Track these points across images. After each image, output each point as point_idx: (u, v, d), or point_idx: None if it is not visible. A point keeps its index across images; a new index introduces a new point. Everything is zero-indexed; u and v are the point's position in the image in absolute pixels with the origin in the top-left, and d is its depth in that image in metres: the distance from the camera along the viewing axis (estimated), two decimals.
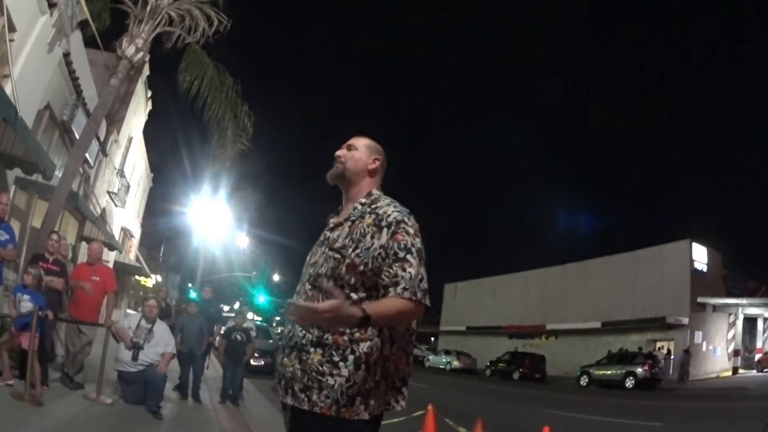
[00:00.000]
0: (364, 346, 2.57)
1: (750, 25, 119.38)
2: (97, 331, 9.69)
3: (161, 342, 9.56)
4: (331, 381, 2.55)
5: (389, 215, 2.70)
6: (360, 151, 3.07)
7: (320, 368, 2.58)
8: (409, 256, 2.58)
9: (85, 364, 9.77)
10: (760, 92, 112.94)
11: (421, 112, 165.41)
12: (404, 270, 2.56)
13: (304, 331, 2.66)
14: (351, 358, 2.56)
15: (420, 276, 2.56)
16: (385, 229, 2.65)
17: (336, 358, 2.57)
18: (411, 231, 2.66)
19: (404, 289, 2.53)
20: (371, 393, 2.57)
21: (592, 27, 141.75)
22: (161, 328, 9.78)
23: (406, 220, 2.69)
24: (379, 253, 2.61)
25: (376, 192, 2.93)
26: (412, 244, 2.62)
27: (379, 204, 2.80)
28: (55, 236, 9.72)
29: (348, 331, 2.57)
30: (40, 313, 7.71)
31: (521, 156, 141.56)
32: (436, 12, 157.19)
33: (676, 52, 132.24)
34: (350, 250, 2.67)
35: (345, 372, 2.55)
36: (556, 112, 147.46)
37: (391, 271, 2.58)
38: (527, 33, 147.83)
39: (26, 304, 7.92)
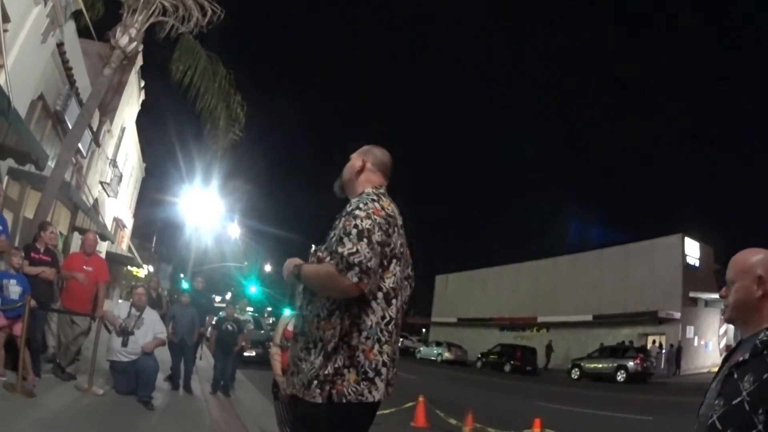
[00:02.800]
0: (327, 335, 2.72)
1: (732, 23, 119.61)
2: (89, 321, 9.69)
3: (151, 328, 9.59)
4: (303, 366, 2.76)
5: (349, 206, 2.86)
6: (351, 161, 3.26)
7: (299, 354, 2.82)
8: (348, 237, 2.68)
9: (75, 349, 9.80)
10: (753, 88, 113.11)
11: (419, 102, 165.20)
12: (342, 247, 2.66)
13: (297, 323, 2.90)
14: (319, 345, 2.74)
15: (353, 251, 2.64)
16: (342, 219, 2.80)
17: (311, 346, 2.77)
18: (361, 214, 2.74)
19: (332, 259, 2.67)
20: (330, 379, 2.67)
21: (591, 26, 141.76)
22: (151, 315, 9.81)
23: (360, 206, 2.80)
24: (333, 240, 2.76)
25: (368, 190, 3.03)
26: (355, 226, 2.70)
27: (355, 200, 2.94)
28: (51, 228, 9.71)
29: (315, 321, 2.77)
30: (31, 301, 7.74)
31: (513, 149, 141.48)
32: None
33: (672, 48, 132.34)
34: (323, 246, 2.85)
35: (313, 358, 2.74)
36: (549, 108, 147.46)
37: (332, 249, 2.71)
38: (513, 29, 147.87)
39: (15, 289, 7.90)
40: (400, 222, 2.99)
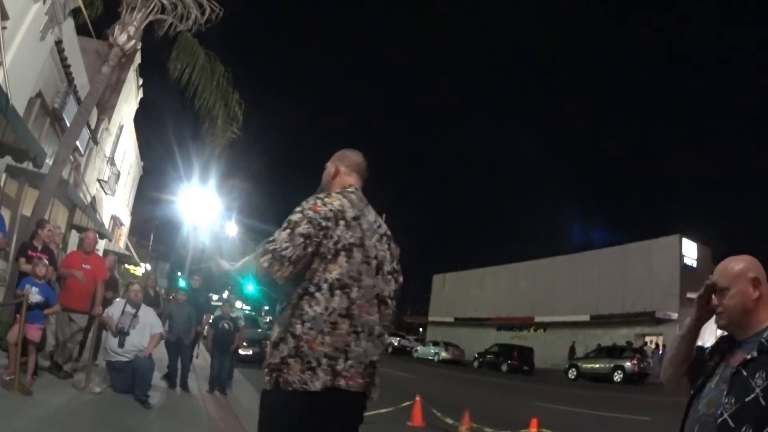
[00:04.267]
0: (278, 326, 2.92)
1: (743, 22, 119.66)
2: (87, 319, 9.69)
3: (147, 326, 9.58)
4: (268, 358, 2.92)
5: None
6: (326, 168, 3.44)
7: (269, 349, 2.97)
8: (278, 230, 2.90)
9: (76, 352, 9.80)
10: (752, 88, 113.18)
11: (415, 101, 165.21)
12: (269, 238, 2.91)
13: None
14: (273, 336, 2.93)
15: (271, 240, 2.87)
16: None
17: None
18: (297, 210, 2.94)
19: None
20: (277, 368, 2.81)
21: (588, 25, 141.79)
22: (147, 312, 9.81)
23: (302, 203, 2.99)
24: None
25: (336, 190, 3.20)
26: (287, 220, 2.90)
27: None
28: (48, 226, 9.70)
29: (279, 314, 2.98)
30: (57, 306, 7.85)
31: (512, 149, 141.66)
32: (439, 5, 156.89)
33: (671, 47, 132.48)
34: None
35: (269, 349, 2.93)
36: (547, 108, 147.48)
37: None
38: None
39: (36, 297, 7.92)
40: (370, 217, 3.14)
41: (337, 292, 2.85)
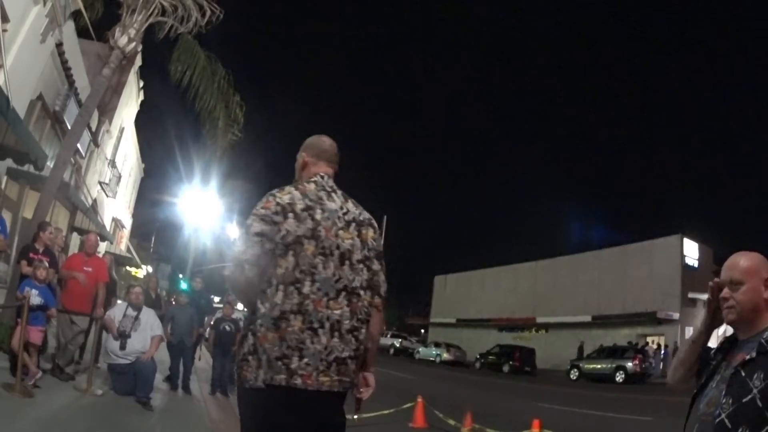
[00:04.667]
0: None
1: (741, 25, 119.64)
2: (89, 321, 9.69)
3: (147, 328, 9.57)
4: None
5: None
6: (297, 159, 3.41)
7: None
8: None
9: (78, 354, 9.80)
10: (752, 89, 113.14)
11: (415, 103, 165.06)
12: None
13: None
14: None
15: (234, 249, 2.96)
16: None
17: None
18: (253, 209, 2.97)
19: None
20: (240, 365, 2.84)
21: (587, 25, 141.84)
22: (148, 314, 9.80)
23: (258, 203, 3.00)
24: None
25: (288, 186, 3.13)
26: (245, 223, 2.98)
27: None
28: (50, 228, 9.71)
29: None
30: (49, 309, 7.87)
31: (512, 149, 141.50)
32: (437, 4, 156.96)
33: (671, 48, 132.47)
34: None
35: None
36: (547, 108, 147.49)
37: None
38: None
39: (36, 299, 7.93)
40: (333, 205, 3.04)
41: (281, 287, 2.81)
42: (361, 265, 3.03)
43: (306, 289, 2.82)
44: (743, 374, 2.22)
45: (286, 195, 2.94)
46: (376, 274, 3.10)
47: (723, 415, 2.19)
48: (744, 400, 2.14)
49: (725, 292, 2.49)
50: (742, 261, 2.47)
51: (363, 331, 2.97)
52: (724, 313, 2.51)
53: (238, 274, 2.85)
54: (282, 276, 2.81)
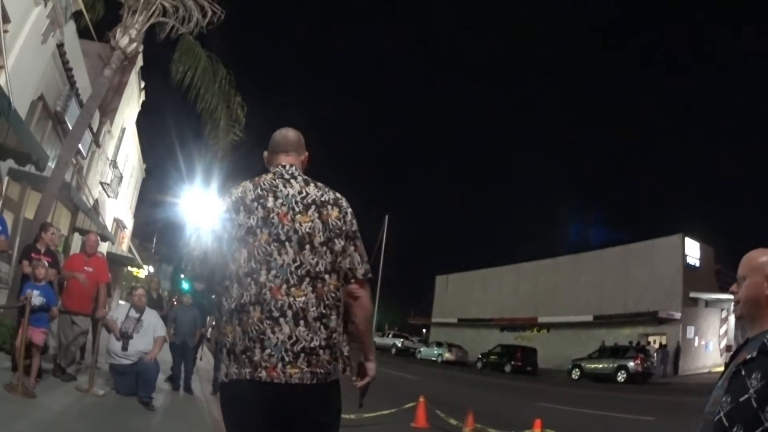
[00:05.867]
0: None
1: (741, 25, 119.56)
2: (90, 322, 9.69)
3: (150, 329, 9.58)
4: None
5: None
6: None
7: None
8: None
9: (79, 355, 9.80)
10: (754, 89, 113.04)
11: (416, 103, 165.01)
12: None
13: None
14: None
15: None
16: None
17: None
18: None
19: None
20: (217, 365, 2.87)
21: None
22: (151, 315, 9.80)
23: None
24: None
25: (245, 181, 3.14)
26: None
27: None
28: (51, 229, 9.71)
29: None
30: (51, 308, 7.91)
31: (514, 149, 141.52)
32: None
33: (674, 49, 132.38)
34: None
35: None
36: (550, 109, 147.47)
37: None
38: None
39: (37, 300, 7.93)
40: (291, 190, 2.95)
41: (238, 280, 2.79)
42: (324, 248, 2.87)
43: (263, 278, 2.75)
44: (743, 373, 2.21)
45: (239, 189, 2.97)
46: (341, 255, 2.93)
47: (722, 414, 2.19)
48: (741, 400, 2.13)
49: (733, 287, 2.51)
50: (751, 256, 2.49)
51: (333, 318, 2.82)
52: (733, 308, 2.53)
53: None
54: (238, 269, 2.80)
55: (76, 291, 9.36)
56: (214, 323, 13.65)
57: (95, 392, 8.64)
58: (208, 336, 13.74)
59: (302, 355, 2.70)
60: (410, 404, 11.74)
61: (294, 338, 2.71)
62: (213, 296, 3.02)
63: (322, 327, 2.77)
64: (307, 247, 2.83)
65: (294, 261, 2.79)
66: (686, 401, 18.56)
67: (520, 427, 10.78)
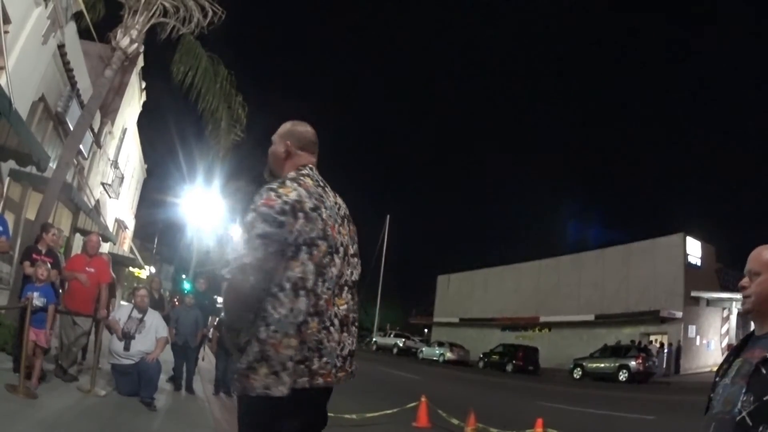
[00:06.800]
0: (243, 333, 2.78)
1: (726, 22, 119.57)
2: (91, 322, 9.69)
3: (152, 330, 9.58)
4: None
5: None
6: (274, 144, 3.21)
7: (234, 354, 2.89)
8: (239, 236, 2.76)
9: (81, 355, 9.80)
10: (753, 89, 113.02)
11: (418, 103, 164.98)
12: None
13: None
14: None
15: (235, 252, 2.70)
16: None
17: None
18: (252, 206, 2.77)
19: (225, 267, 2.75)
20: (244, 373, 2.67)
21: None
22: (153, 316, 9.80)
23: (255, 199, 2.80)
24: None
25: (291, 174, 2.98)
26: (243, 222, 2.76)
27: None
28: (53, 230, 9.71)
29: None
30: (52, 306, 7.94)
31: (515, 149, 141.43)
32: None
33: (673, 45, 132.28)
34: None
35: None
36: (549, 107, 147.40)
37: None
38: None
39: (38, 301, 7.93)
40: (329, 201, 2.94)
41: (302, 291, 2.68)
42: (355, 259, 3.04)
43: (320, 290, 2.74)
44: (764, 371, 2.19)
45: (292, 192, 2.76)
46: (357, 266, 3.11)
47: (744, 413, 2.17)
48: (765, 398, 2.12)
49: (744, 281, 2.50)
50: (763, 252, 2.47)
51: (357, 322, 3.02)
52: (741, 303, 2.51)
53: (242, 280, 2.65)
54: (300, 279, 2.69)
55: (77, 292, 9.36)
56: (215, 323, 13.67)
57: (97, 392, 8.64)
58: (210, 336, 13.74)
59: (349, 358, 2.87)
60: (412, 404, 11.74)
61: (342, 344, 2.82)
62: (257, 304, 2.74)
63: (355, 330, 2.97)
64: (346, 258, 2.93)
65: (339, 272, 2.86)
66: (687, 400, 18.57)
67: (521, 427, 10.78)
